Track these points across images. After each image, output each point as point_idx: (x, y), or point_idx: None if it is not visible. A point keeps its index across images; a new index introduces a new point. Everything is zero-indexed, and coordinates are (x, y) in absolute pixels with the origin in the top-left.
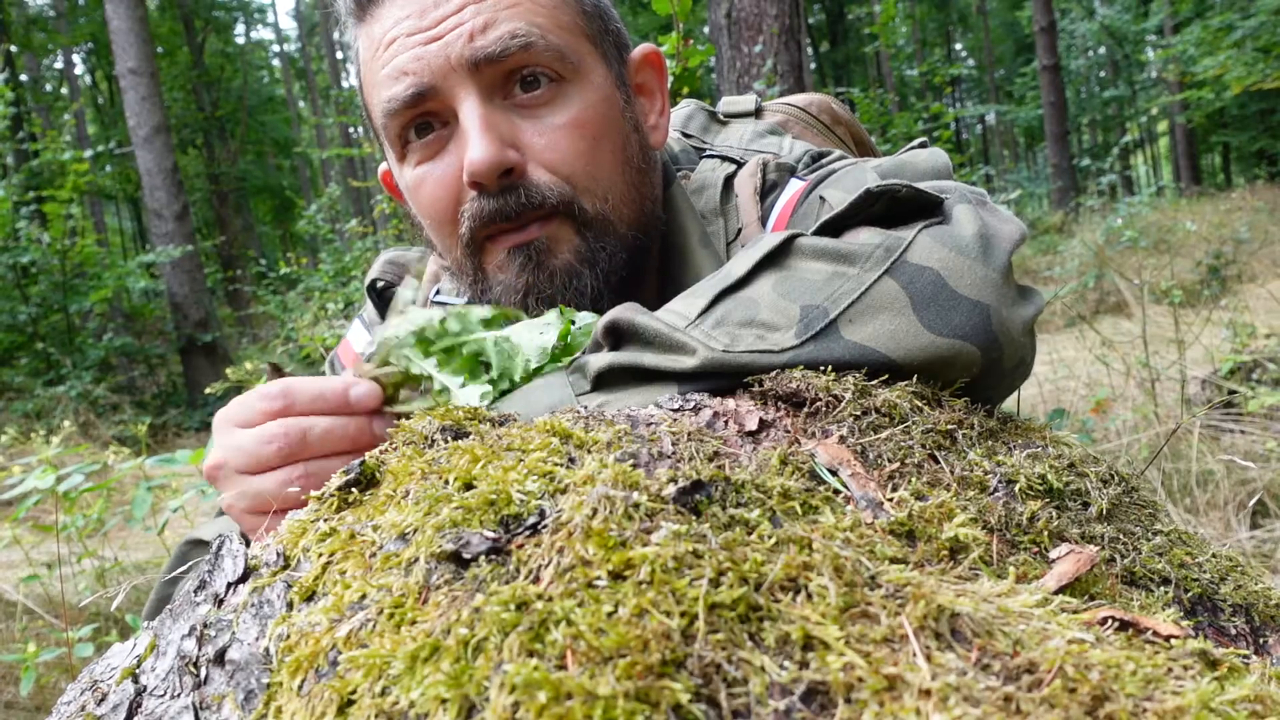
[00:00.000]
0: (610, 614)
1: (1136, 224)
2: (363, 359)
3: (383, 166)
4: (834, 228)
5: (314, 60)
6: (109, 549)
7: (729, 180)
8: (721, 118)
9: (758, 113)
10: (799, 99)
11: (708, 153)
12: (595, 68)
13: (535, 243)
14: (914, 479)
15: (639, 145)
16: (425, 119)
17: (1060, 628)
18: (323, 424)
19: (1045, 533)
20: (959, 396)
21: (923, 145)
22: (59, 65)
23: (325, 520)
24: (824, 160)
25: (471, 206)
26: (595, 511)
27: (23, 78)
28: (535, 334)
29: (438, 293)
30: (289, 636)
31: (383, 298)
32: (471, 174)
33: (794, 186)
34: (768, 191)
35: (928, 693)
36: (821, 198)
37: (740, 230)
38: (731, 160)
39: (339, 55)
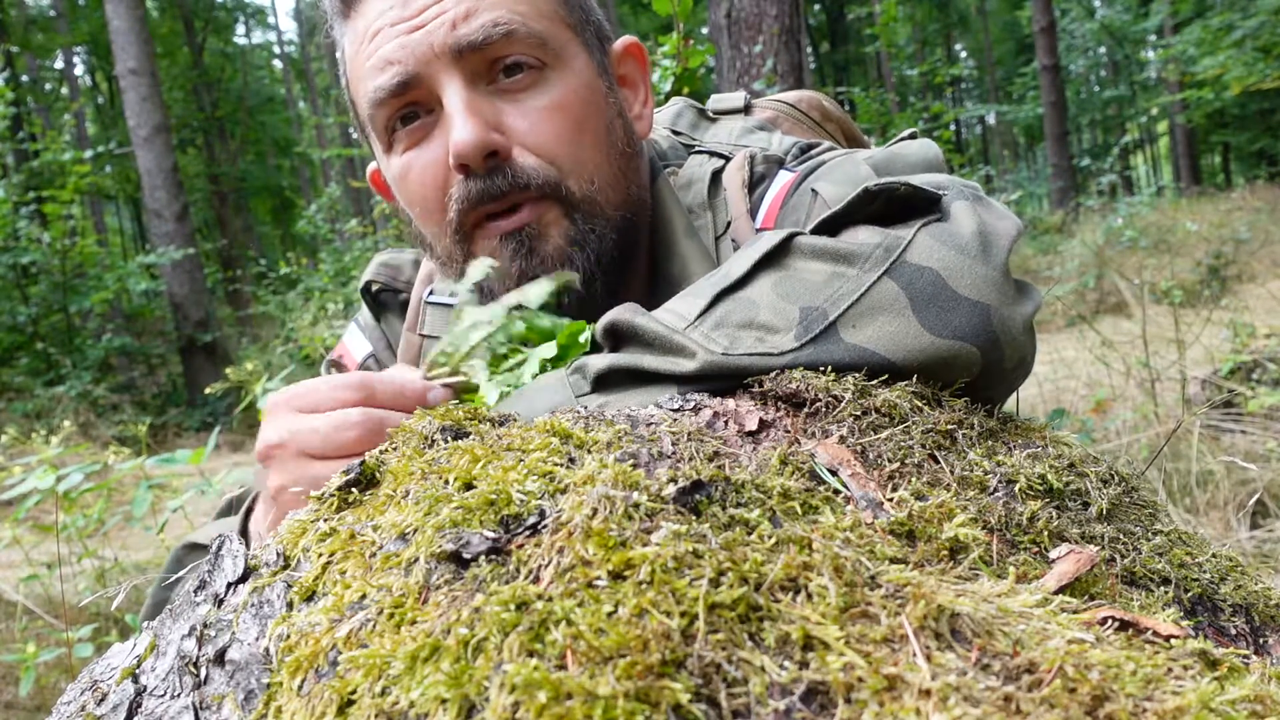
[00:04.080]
0: (610, 614)
1: (1136, 224)
2: (433, 357)
3: (371, 166)
4: (832, 226)
5: (314, 60)
6: (109, 549)
7: (716, 174)
8: (710, 115)
9: (747, 109)
10: (789, 96)
11: (696, 149)
12: (577, 55)
13: (526, 229)
14: (914, 479)
15: (624, 130)
16: (411, 108)
17: (1060, 628)
18: (397, 419)
19: (1045, 533)
20: (959, 396)
21: (913, 136)
22: (59, 65)
23: (325, 520)
24: (813, 151)
25: (458, 190)
26: (595, 511)
27: (23, 78)
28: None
29: (431, 293)
30: (289, 636)
31: (377, 300)
32: (457, 155)
33: (783, 178)
34: (756, 184)
35: (928, 693)
36: (814, 190)
37: (729, 223)
38: (719, 155)
39: (339, 54)
